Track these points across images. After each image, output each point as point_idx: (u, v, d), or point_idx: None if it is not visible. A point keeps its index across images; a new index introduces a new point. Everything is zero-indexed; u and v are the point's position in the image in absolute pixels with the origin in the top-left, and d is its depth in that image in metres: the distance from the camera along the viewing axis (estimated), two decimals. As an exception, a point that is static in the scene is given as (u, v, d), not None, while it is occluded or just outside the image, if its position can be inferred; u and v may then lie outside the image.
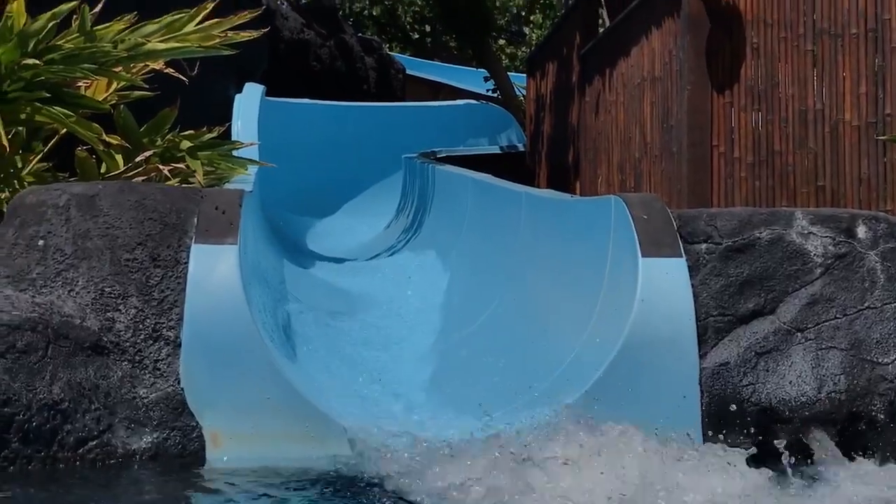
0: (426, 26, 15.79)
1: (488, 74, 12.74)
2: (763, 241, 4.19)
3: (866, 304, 4.14)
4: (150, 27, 5.31)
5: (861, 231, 4.21)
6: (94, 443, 3.74)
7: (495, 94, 12.57)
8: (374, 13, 14.78)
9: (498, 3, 16.25)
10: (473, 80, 14.24)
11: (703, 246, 4.19)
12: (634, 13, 7.67)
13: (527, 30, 19.35)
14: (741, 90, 6.45)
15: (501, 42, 18.55)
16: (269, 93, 8.83)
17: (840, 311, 4.13)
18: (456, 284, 6.29)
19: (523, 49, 18.47)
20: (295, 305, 5.62)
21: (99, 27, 5.18)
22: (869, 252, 4.18)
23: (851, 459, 3.85)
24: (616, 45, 8.16)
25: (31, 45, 5.00)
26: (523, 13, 18.40)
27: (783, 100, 6.12)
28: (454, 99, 12.72)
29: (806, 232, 4.21)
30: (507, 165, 9.74)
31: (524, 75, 12.71)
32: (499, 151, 11.11)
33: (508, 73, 13.49)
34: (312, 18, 11.62)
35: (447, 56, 16.93)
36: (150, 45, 5.21)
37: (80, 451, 3.72)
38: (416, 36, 16.01)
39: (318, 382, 4.45)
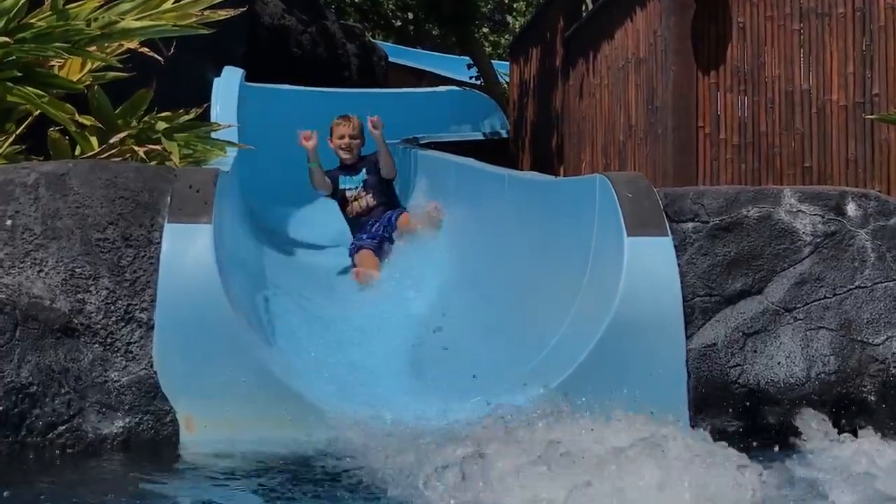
0: (409, 14, 15.70)
1: (471, 62, 12.64)
2: (751, 219, 4.11)
3: (856, 284, 4.07)
4: (125, 5, 5.21)
5: (851, 209, 4.14)
6: (64, 427, 3.65)
7: (478, 82, 12.47)
8: (356, 0, 14.67)
9: (481, -9, 16.14)
10: (456, 67, 14.13)
11: (690, 225, 4.11)
12: (619, -5, 7.58)
13: (510, 18, 19.27)
14: (727, 71, 6.36)
15: (485, 30, 18.46)
16: (248, 79, 8.70)
17: (830, 290, 4.05)
18: (439, 268, 6.19)
19: (506, 37, 18.37)
20: (274, 291, 5.52)
21: (72, 5, 5.08)
22: (859, 230, 4.11)
23: (841, 440, 3.76)
24: (600, 27, 8.07)
25: (2, 23, 4.89)
26: (506, 1, 18.32)
27: (769, 81, 6.03)
28: (437, 86, 12.61)
29: (794, 210, 4.13)
30: (491, 152, 9.63)
31: (507, 63, 12.62)
32: (482, 138, 11.02)
33: (491, 61, 13.40)
34: (293, 4, 11.49)
35: (430, 44, 16.84)
36: (124, 24, 5.10)
37: (50, 435, 3.63)
38: (399, 23, 15.90)
39: (296, 367, 4.35)
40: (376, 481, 3.23)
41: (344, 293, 6.14)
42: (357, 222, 7.04)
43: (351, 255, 6.82)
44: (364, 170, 7.16)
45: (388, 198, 7.14)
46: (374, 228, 6.90)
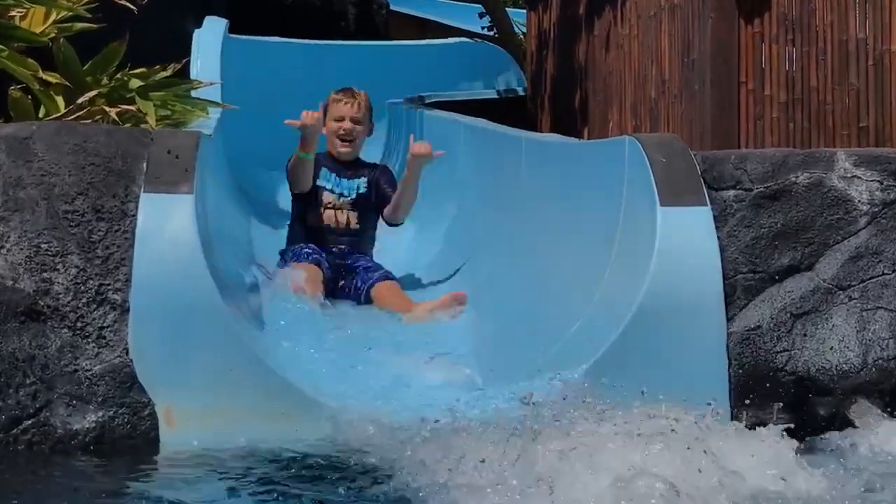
0: (412, -44, 15.69)
1: (483, 10, 12.61)
2: (800, 186, 4.11)
3: (919, 258, 4.07)
4: (94, -53, 5.22)
5: (913, 174, 4.13)
6: (30, 422, 3.67)
7: (491, 33, 12.44)
8: (354, -59, 14.61)
9: (494, -70, 16.09)
10: (466, 16, 14.09)
11: (732, 193, 4.11)
12: (650, -66, 7.55)
13: (527, -39, 19.20)
14: (772, 19, 6.34)
15: (498, -26, 18.38)
16: (233, 30, 8.71)
17: (889, 266, 4.06)
18: (449, 244, 6.21)
19: (523, -18, 18.35)
20: (264, 269, 5.54)
21: (33, -53, 5.08)
22: (922, 198, 4.11)
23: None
24: (629, -30, 8.04)
25: (-45, -32, 4.89)
26: (523, -58, 18.29)
27: (820, 29, 6.01)
28: (445, 38, 12.59)
29: (849, 175, 4.13)
30: (506, 111, 9.61)
31: (524, 11, 12.59)
32: (496, 96, 11.00)
33: (506, 9, 13.36)
34: (283, -54, 11.48)
35: (437, -10, 16.81)
36: (92, -32, 5.11)
37: (14, 431, 3.65)
38: (402, -33, 15.90)
39: (289, 354, 4.38)
40: (381, 479, 3.25)
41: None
42: (316, 235, 5.73)
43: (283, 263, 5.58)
44: (364, 181, 5.86)
45: (370, 240, 5.88)
46: (339, 264, 5.62)
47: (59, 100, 5.12)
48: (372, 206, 5.83)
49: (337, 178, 5.81)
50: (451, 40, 12.14)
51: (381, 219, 5.89)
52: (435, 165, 5.93)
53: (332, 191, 5.79)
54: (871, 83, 5.66)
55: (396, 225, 5.90)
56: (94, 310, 3.82)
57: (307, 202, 5.80)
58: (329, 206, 5.76)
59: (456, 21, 14.78)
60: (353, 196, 5.81)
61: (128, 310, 3.82)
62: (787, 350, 3.98)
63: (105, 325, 3.81)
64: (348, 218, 5.77)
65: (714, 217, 4.06)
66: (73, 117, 4.99)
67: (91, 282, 3.84)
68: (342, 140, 5.84)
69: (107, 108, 5.08)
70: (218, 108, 5.76)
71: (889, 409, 3.89)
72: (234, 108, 6.03)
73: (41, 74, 4.98)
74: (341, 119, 5.83)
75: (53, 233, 3.88)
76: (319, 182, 5.78)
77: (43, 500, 3.26)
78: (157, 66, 5.45)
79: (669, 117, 7.24)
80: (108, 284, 3.85)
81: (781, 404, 3.92)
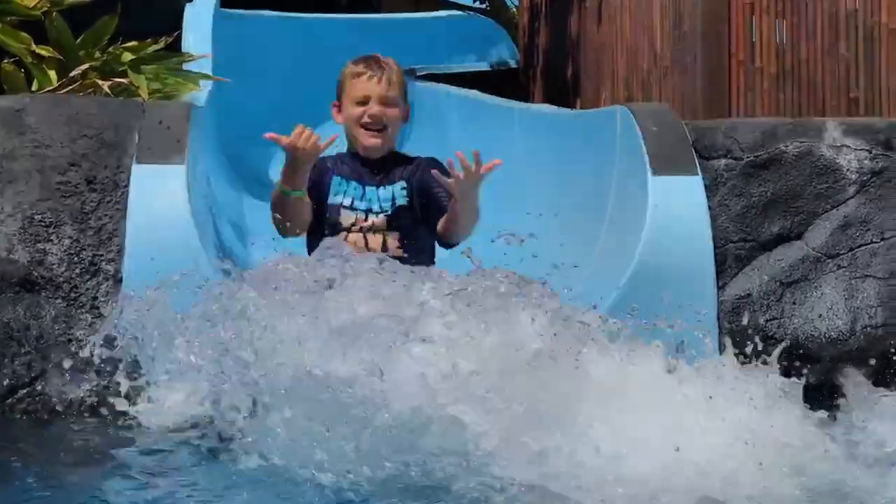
0: (404, -70, 15.65)
1: (475, -17, 12.60)
2: (789, 155, 4.13)
3: (907, 227, 4.09)
4: (85, -80, 5.21)
5: (901, 143, 4.15)
6: (25, 391, 3.71)
7: (483, 6, 12.43)
8: (345, -85, 14.57)
9: None
10: (459, -10, 14.08)
11: (722, 162, 4.13)
12: None
13: (519, -66, 19.14)
14: (763, -10, 6.34)
15: (490, -52, 18.33)
16: (224, 4, 8.69)
17: (877, 234, 4.08)
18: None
19: (515, -44, 18.28)
20: (256, 242, 5.53)
21: (25, -80, 5.07)
22: (910, 167, 4.13)
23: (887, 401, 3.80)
24: (620, -58, 8.03)
25: (-54, -59, 4.89)
26: (515, -85, 18.23)
27: (811, 1, 6.02)
28: (436, 11, 12.57)
29: (838, 144, 4.15)
30: (499, 84, 9.59)
31: (516, -16, 12.57)
32: (488, 69, 10.99)
33: (498, -18, 13.33)
34: (274, -80, 11.43)
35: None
36: (83, -59, 5.11)
37: (10, 400, 3.69)
38: (394, -59, 15.86)
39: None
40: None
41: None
42: None
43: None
44: (403, 186, 4.15)
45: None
46: None
47: (52, 73, 5.12)
48: (420, 219, 4.14)
49: (359, 188, 4.13)
50: (442, 13, 12.10)
51: (432, 239, 4.19)
52: (426, 138, 5.91)
53: (353, 207, 4.12)
54: (862, 55, 5.68)
55: (451, 246, 4.14)
56: (88, 280, 3.84)
57: (318, 225, 4.12)
58: (350, 226, 4.10)
59: (448, -6, 14.76)
60: (389, 210, 4.12)
61: (120, 280, 3.84)
62: (777, 318, 4.01)
63: (98, 295, 3.83)
64: (385, 243, 4.07)
65: (705, 186, 4.08)
66: (65, 90, 5.00)
67: (84, 252, 3.86)
68: (368, 129, 4.14)
69: (99, 82, 5.08)
70: (209, 80, 5.77)
71: (876, 376, 3.92)
72: (224, 80, 6.03)
73: (34, 48, 4.99)
74: (366, 101, 4.13)
75: (47, 204, 3.90)
76: (333, 199, 4.14)
77: (42, 468, 3.27)
78: (149, 40, 5.44)
79: (661, 90, 7.25)
80: (101, 255, 3.87)
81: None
